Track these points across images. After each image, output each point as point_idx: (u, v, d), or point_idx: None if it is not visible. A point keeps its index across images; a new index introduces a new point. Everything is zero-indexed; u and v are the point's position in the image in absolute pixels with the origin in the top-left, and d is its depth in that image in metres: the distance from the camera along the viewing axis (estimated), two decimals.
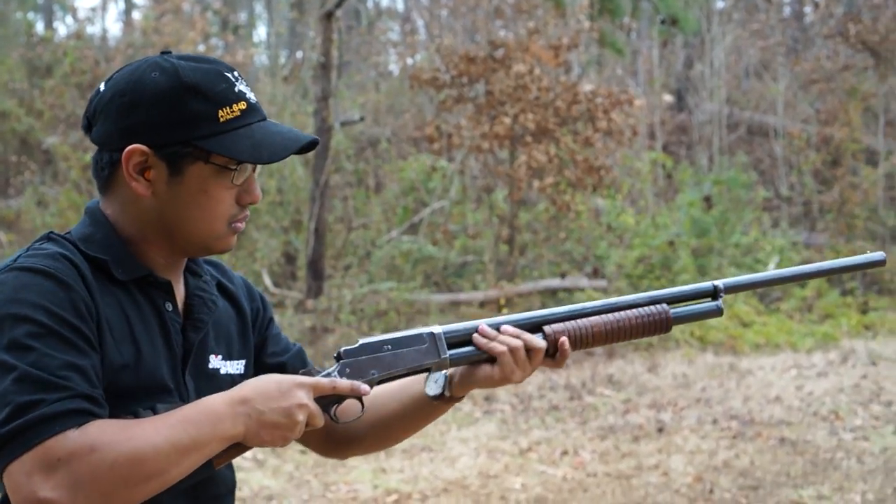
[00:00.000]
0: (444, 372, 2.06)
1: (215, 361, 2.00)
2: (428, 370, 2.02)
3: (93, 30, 20.45)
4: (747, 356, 11.85)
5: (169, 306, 1.92)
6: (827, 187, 17.73)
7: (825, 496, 6.73)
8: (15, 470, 1.65)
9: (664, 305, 2.13)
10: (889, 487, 6.85)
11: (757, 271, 14.75)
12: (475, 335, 2.03)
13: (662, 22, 17.07)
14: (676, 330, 12.24)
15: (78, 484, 1.65)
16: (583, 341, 2.09)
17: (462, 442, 8.46)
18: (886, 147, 18.11)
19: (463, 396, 2.12)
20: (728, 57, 20.44)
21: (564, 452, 8.11)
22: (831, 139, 17.86)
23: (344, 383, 1.92)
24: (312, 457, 8.01)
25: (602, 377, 10.67)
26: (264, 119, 1.91)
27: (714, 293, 2.19)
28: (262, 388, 1.81)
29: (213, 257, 2.09)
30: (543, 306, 13.06)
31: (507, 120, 13.35)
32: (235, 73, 1.90)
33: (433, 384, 2.06)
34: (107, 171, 1.89)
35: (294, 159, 14.43)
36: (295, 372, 2.03)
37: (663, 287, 13.05)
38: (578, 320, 2.09)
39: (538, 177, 13.73)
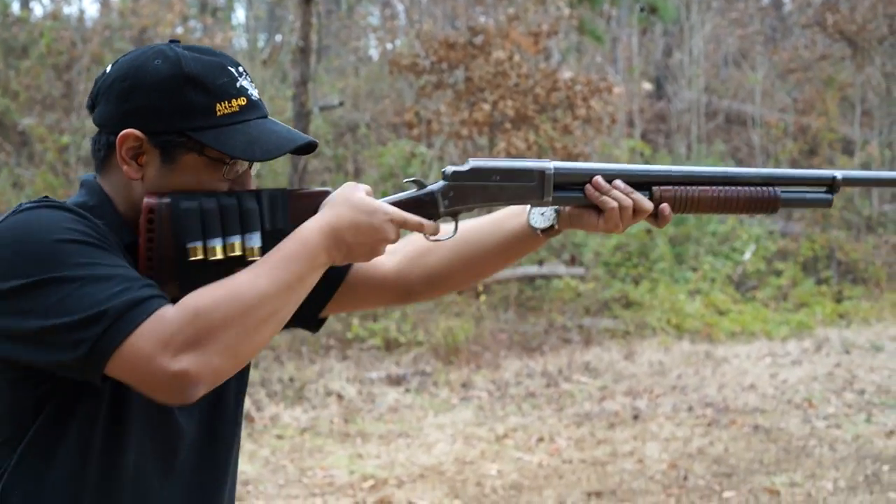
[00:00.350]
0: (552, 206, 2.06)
1: None
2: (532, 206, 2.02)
3: (69, 10, 20.28)
4: (723, 344, 11.92)
5: None
6: None
7: (797, 483, 6.79)
8: (129, 353, 1.67)
9: (775, 189, 2.08)
10: (860, 475, 6.92)
11: (734, 260, 14.86)
12: (588, 186, 2.02)
13: (641, 10, 17.11)
14: (652, 317, 12.32)
15: (199, 347, 1.68)
16: (688, 206, 2.07)
17: (439, 428, 8.49)
18: (862, 137, 18.21)
19: (560, 232, 2.13)
20: (707, 45, 20.49)
21: (540, 439, 8.15)
22: (808, 128, 17.95)
23: (429, 225, 1.96)
24: (288, 442, 8.04)
25: (579, 364, 10.72)
26: (265, 117, 1.92)
27: (832, 183, 2.12)
28: (356, 220, 1.85)
29: None
30: (521, 293, 13.11)
31: (487, 106, 13.36)
32: (240, 69, 1.91)
33: (539, 217, 2.06)
34: (103, 153, 1.91)
35: None
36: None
37: (640, 274, 13.08)
38: (688, 187, 2.06)
39: None
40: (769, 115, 18.92)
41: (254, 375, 9.32)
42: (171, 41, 1.92)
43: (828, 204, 2.13)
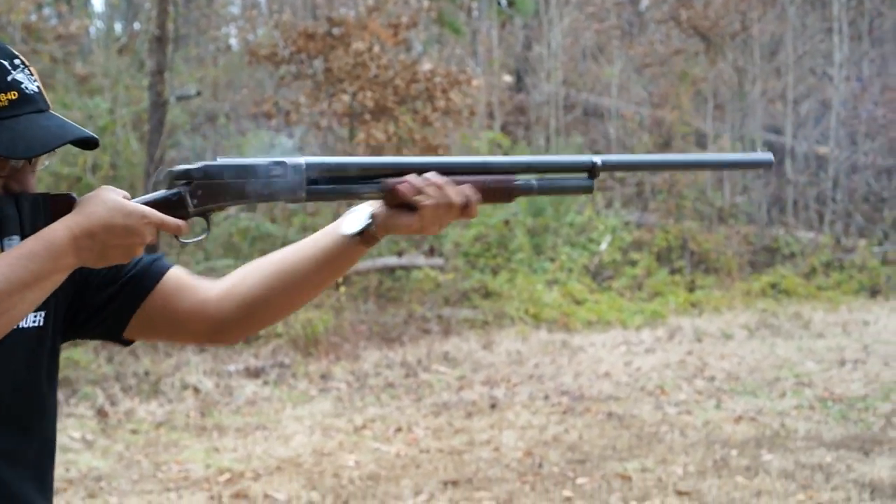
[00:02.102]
0: (366, 210, 1.99)
1: None
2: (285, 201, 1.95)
3: None
4: (579, 333, 12.12)
5: None
6: None
7: (648, 468, 6.94)
8: None
9: (511, 177, 2.02)
10: (710, 460, 7.11)
11: (590, 251, 15.11)
12: (400, 187, 1.94)
13: (500, 3, 17.25)
14: (511, 307, 12.46)
15: None
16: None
17: (297, 420, 8.46)
18: (714, 130, 18.68)
19: (379, 239, 2.03)
20: (565, 39, 20.76)
21: (398, 429, 8.19)
22: (663, 121, 18.35)
23: (185, 226, 1.88)
24: (143, 436, 7.92)
25: (438, 354, 10.78)
26: (42, 111, 1.85)
27: (591, 169, 2.06)
28: (110, 222, 1.77)
29: None
30: (381, 285, 13.12)
31: (346, 97, 13.34)
32: (17, 61, 1.84)
33: (352, 223, 1.99)
34: None
35: (128, 133, 14.14)
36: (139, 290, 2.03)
37: (499, 265, 13.19)
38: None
39: (377, 155, 13.76)
40: (625, 109, 19.28)
41: (108, 369, 9.15)
42: None
43: (588, 189, 2.10)
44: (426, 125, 13.85)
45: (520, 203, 15.45)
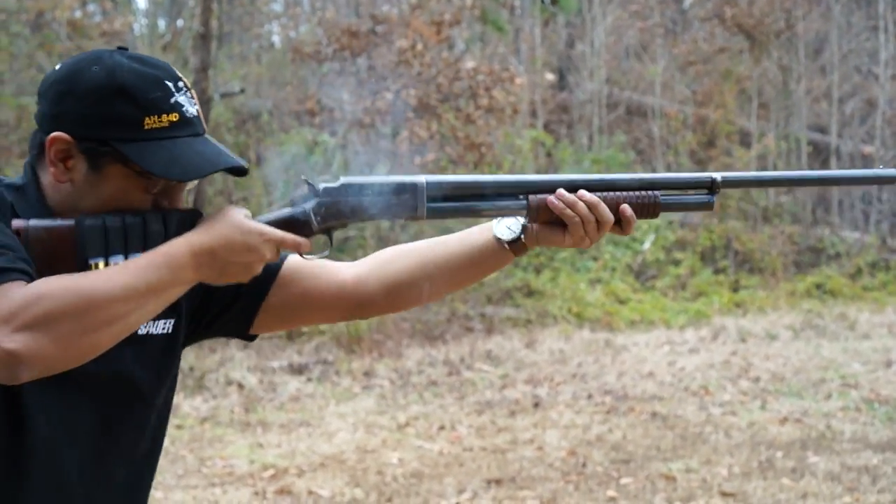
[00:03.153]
0: (519, 219, 2.06)
1: (141, 328, 1.98)
2: (407, 219, 2.01)
3: None
4: (622, 333, 12.07)
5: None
6: (702, 167, 18.08)
7: (693, 469, 6.90)
8: None
9: (655, 193, 2.09)
10: (755, 461, 7.06)
11: (634, 250, 15.05)
12: (551, 199, 2.00)
13: (543, 1, 17.20)
14: (554, 306, 12.43)
15: (35, 331, 1.65)
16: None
17: (340, 417, 8.47)
18: (759, 129, 18.54)
19: (527, 251, 2.10)
20: (608, 37, 20.68)
21: (441, 427, 8.18)
22: (707, 120, 18.22)
23: (305, 243, 1.93)
24: (188, 431, 7.96)
25: (481, 353, 10.77)
26: (198, 135, 1.91)
27: (711, 185, 2.12)
28: (229, 239, 1.83)
29: None
30: None
31: (389, 95, 13.34)
32: (180, 84, 1.89)
33: (506, 229, 2.06)
34: (35, 151, 1.92)
35: None
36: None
37: (542, 263, 13.17)
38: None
39: (419, 153, 13.75)
40: (669, 107, 19.17)
41: None
42: (119, 48, 1.92)
43: (709, 206, 2.15)
44: (469, 123, 13.82)
45: None
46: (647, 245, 15.20)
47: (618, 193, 2.05)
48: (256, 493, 6.50)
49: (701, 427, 8.06)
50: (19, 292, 1.67)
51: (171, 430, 7.87)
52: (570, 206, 2.00)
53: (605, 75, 19.73)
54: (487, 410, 8.70)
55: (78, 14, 16.57)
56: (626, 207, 2.05)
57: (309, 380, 9.64)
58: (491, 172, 14.63)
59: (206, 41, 11.85)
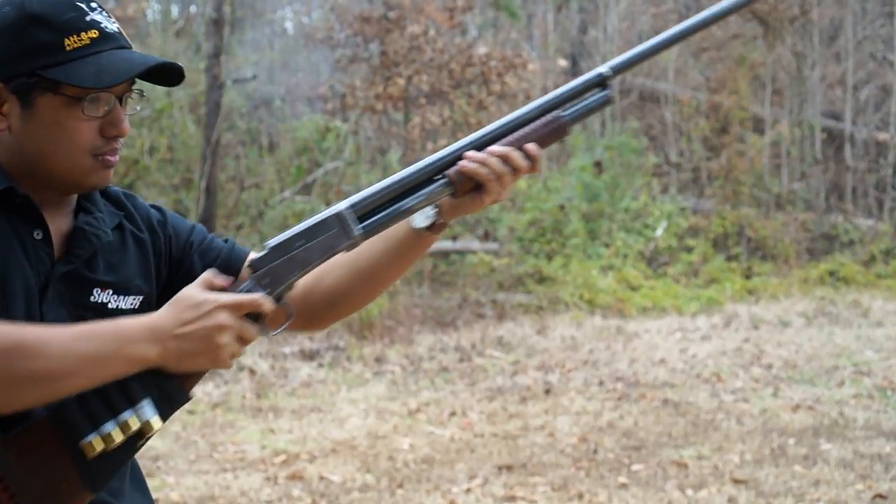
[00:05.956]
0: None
1: (101, 295, 1.94)
2: (346, 250, 1.94)
3: None
4: (634, 319, 12.05)
5: (38, 234, 1.87)
6: (715, 154, 18.04)
7: (705, 456, 6.89)
8: None
9: (558, 113, 2.02)
10: (766, 448, 7.04)
11: (646, 236, 15.03)
12: (464, 164, 1.94)
13: None
14: (566, 292, 12.42)
15: None
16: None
17: (351, 403, 8.48)
18: (772, 115, 18.48)
19: (447, 225, 2.07)
20: (621, 23, 20.62)
21: (453, 413, 8.18)
22: (720, 107, 18.17)
23: (267, 302, 1.86)
24: (200, 417, 7.97)
25: (492, 339, 10.76)
26: (123, 48, 1.86)
27: (602, 82, 2.04)
28: (178, 312, 1.76)
29: (122, 193, 2.05)
30: (435, 269, 13.13)
31: (402, 81, 13.33)
32: (93, 4, 1.85)
33: (420, 217, 2.01)
34: None
35: (185, 116, 14.22)
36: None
37: (553, 250, 13.16)
38: (493, 147, 1.98)
39: (432, 139, 13.75)
40: (682, 93, 19.12)
41: None
42: None
43: (609, 101, 2.07)
44: (481, 109, 13.81)
45: (575, 188, 15.38)
46: (659, 232, 15.17)
47: (523, 131, 1.99)
48: (268, 479, 6.51)
49: (713, 414, 8.04)
50: None
51: (182, 415, 7.89)
52: (483, 163, 1.95)
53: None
54: (498, 397, 8.70)
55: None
56: (530, 146, 1.98)
57: (320, 365, 9.65)
58: None
59: (218, 27, 11.86)
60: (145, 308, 2.00)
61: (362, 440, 7.38)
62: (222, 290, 1.84)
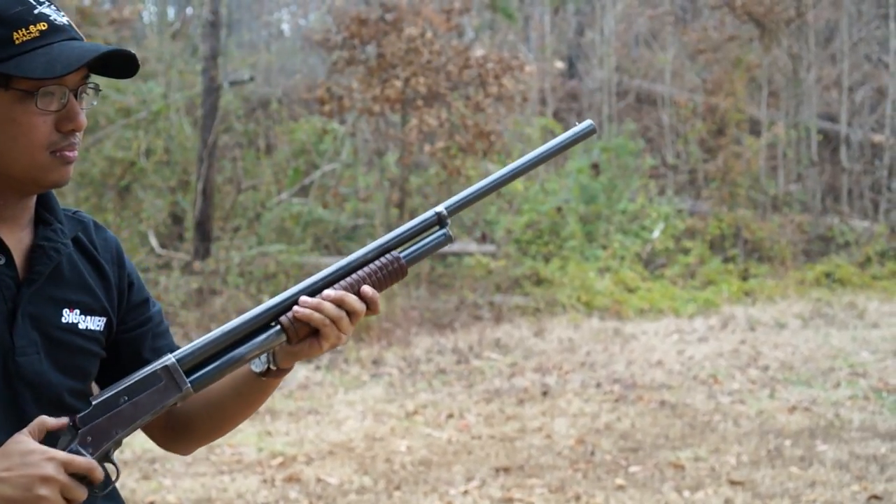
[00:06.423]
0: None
1: (71, 315, 1.90)
2: (175, 404, 1.88)
3: None
4: (631, 321, 12.07)
5: (1, 260, 1.83)
6: (712, 156, 18.06)
7: (702, 457, 6.90)
8: None
9: (395, 253, 1.99)
10: (763, 449, 7.06)
11: (643, 238, 15.04)
12: (297, 310, 1.89)
13: None
14: (563, 294, 12.43)
15: None
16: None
17: (349, 405, 8.49)
18: (769, 117, 18.50)
19: (290, 367, 2.00)
20: (618, 25, 20.64)
21: (450, 415, 8.19)
22: (717, 109, 18.18)
23: (96, 468, 1.77)
24: None
25: (489, 341, 10.78)
26: (73, 39, 1.83)
27: (440, 221, 2.04)
28: (3, 456, 1.70)
29: (85, 216, 2.01)
30: (433, 271, 13.14)
31: (399, 83, 13.33)
32: None
33: (257, 363, 1.96)
34: None
35: (182, 118, 14.22)
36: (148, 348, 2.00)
37: (550, 252, 13.17)
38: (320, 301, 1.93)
39: (429, 141, 13.76)
40: (679, 95, 19.14)
41: None
42: None
43: (449, 240, 2.06)
44: (478, 111, 13.81)
45: (572, 190, 15.40)
46: (656, 234, 15.19)
47: (360, 274, 1.96)
48: (265, 481, 6.52)
49: (709, 415, 8.06)
50: None
51: None
52: (317, 308, 1.90)
53: (614, 63, 19.71)
54: (496, 399, 8.71)
55: (87, 2, 16.56)
56: (366, 289, 1.94)
57: (318, 368, 9.66)
58: (500, 161, 14.66)
59: (215, 29, 11.87)
60: (107, 332, 1.98)
61: (359, 442, 7.39)
62: (58, 429, 1.78)
